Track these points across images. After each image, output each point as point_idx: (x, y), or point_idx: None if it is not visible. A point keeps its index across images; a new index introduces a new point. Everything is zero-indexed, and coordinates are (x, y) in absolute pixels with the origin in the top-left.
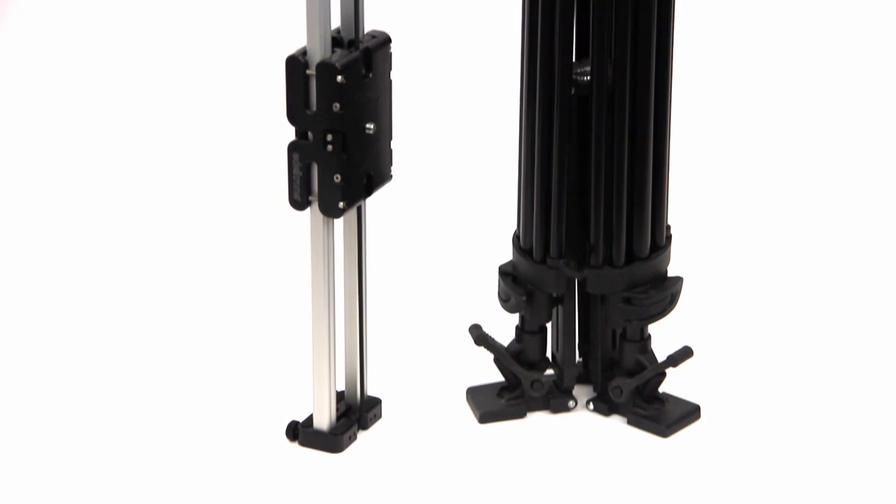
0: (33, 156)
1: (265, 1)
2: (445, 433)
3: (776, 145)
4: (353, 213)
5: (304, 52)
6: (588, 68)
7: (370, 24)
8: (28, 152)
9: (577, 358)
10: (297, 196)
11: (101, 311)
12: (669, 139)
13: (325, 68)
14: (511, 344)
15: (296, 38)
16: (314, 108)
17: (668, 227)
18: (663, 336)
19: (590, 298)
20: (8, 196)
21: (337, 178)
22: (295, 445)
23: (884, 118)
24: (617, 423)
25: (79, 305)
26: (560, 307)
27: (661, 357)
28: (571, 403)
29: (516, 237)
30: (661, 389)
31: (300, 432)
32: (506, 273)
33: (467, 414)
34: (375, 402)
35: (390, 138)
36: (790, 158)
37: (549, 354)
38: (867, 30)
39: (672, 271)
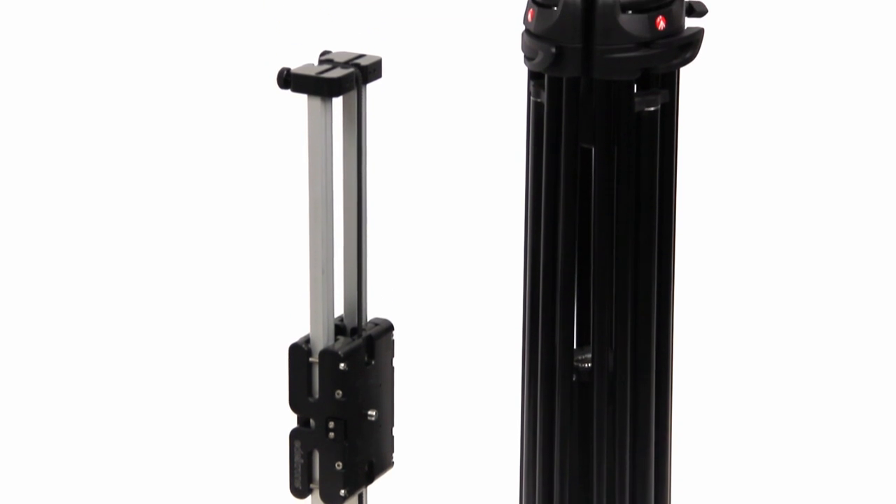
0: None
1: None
2: None
3: (777, 430)
4: (354, 500)
5: (307, 340)
6: (589, 355)
7: (373, 311)
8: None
9: None
10: (298, 484)
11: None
12: (671, 426)
13: (327, 356)
14: None
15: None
16: (316, 395)
17: None
18: None
19: None
20: None
21: (338, 465)
22: None
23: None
24: None
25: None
26: None
27: None
28: None
29: None
30: None
31: None
32: None
33: None
34: None
35: (392, 425)
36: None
37: None
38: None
39: None
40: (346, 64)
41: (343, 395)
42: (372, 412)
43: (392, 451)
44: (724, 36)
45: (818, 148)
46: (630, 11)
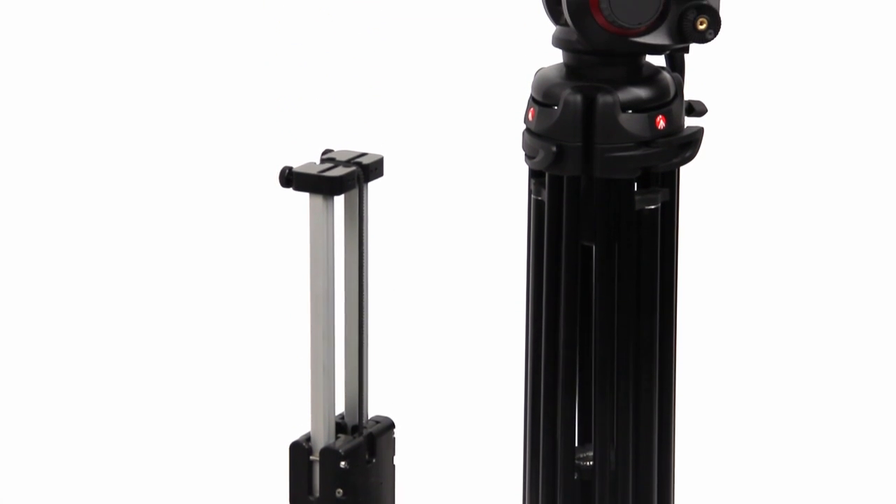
0: None
1: None
2: None
3: None
4: None
5: (307, 438)
6: (591, 453)
7: (374, 408)
8: None
9: None
10: None
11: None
12: None
13: (328, 454)
14: None
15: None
16: (317, 493)
17: None
18: None
19: None
20: None
21: None
22: None
23: None
24: None
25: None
26: None
27: None
28: None
29: None
30: None
31: None
32: None
33: None
34: None
35: None
36: None
37: None
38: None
39: None
40: (347, 162)
41: (344, 493)
42: None
43: None
44: (724, 135)
45: (819, 245)
46: (630, 111)
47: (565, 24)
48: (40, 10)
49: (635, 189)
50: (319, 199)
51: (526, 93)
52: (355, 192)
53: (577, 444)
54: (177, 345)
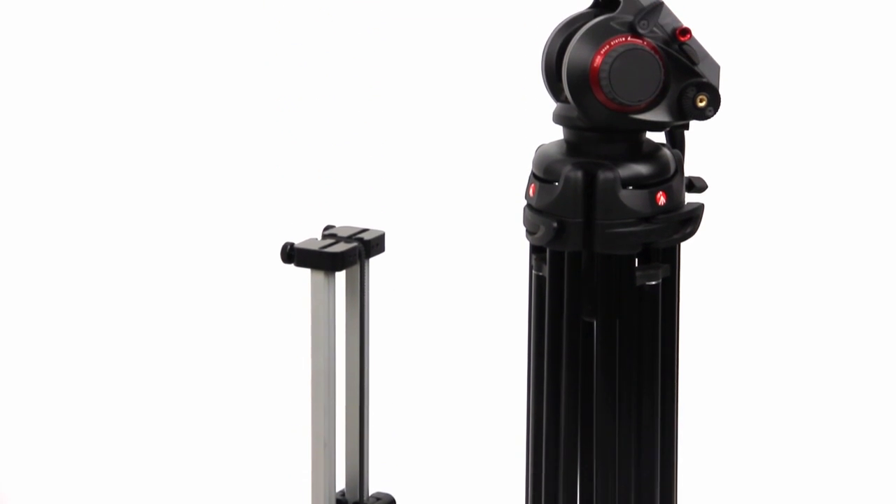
0: None
1: None
2: None
3: None
4: None
5: None
6: None
7: (374, 485)
8: None
9: None
10: None
11: None
12: None
13: None
14: None
15: None
16: None
17: None
18: None
19: None
20: None
21: None
22: None
23: None
24: None
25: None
26: None
27: None
28: None
29: None
30: None
31: None
32: None
33: None
34: None
35: None
36: None
37: None
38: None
39: None
40: (349, 238)
41: None
42: None
43: None
44: (724, 210)
45: (822, 322)
46: (631, 187)
47: (566, 101)
48: (30, 35)
49: (636, 265)
50: (321, 275)
51: (527, 169)
52: (357, 267)
53: None
54: (178, 419)
